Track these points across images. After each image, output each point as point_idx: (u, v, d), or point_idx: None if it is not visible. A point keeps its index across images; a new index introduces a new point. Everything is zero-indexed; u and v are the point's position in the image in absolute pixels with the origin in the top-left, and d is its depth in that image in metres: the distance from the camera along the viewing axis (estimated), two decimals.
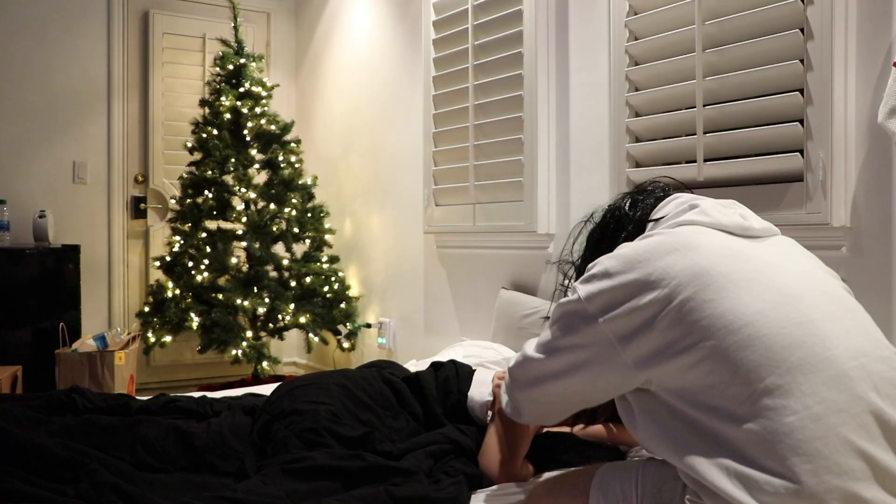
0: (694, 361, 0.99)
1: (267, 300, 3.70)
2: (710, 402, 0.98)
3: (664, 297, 1.02)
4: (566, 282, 1.37)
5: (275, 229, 3.81)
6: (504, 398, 1.31)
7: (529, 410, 1.25)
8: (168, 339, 3.68)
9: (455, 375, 1.81)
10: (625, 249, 1.10)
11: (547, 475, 1.26)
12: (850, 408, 0.94)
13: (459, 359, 2.16)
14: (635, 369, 1.05)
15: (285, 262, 3.86)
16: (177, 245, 3.78)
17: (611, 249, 1.14)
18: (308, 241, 3.94)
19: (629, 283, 1.05)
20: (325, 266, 3.87)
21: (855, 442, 0.93)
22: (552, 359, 1.14)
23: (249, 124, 3.82)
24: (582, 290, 1.10)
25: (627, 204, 1.28)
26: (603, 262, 1.10)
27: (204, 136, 3.78)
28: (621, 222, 1.27)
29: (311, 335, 3.80)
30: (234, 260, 3.76)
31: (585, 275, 1.12)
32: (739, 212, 1.19)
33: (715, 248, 1.07)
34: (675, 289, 1.02)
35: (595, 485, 1.14)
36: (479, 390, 1.74)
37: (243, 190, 3.73)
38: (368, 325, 3.89)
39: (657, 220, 1.21)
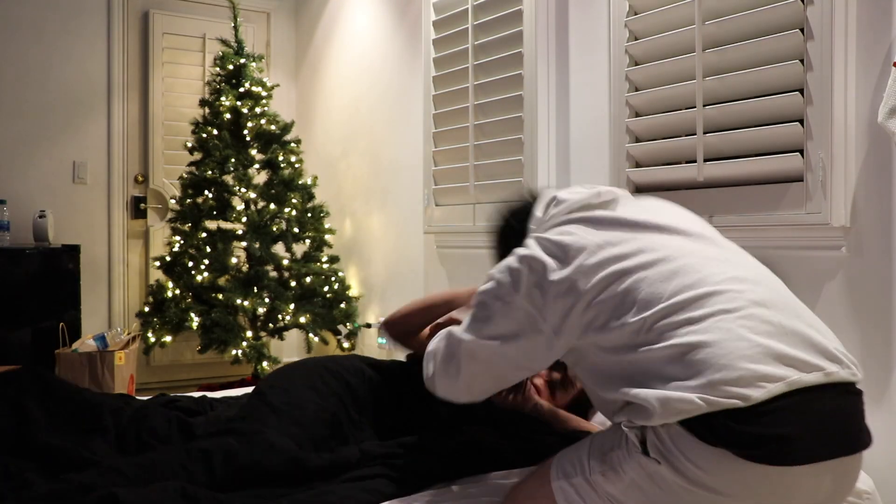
0: (595, 315, 1.17)
1: (267, 300, 3.70)
2: (620, 342, 1.14)
3: (562, 271, 1.20)
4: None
5: (275, 229, 3.81)
6: (431, 375, 1.36)
7: (461, 386, 1.32)
8: (168, 339, 3.68)
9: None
10: (525, 250, 1.28)
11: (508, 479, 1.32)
12: (727, 309, 1.09)
13: None
14: (554, 336, 1.21)
15: (285, 262, 3.86)
16: (177, 245, 3.78)
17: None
18: (308, 241, 3.94)
19: (536, 264, 1.24)
20: (325, 266, 3.88)
21: (735, 330, 1.07)
22: (484, 337, 1.26)
23: (249, 124, 3.82)
24: (497, 274, 1.29)
25: (516, 217, 1.48)
26: (509, 260, 1.29)
27: (204, 136, 3.78)
28: (513, 235, 1.45)
29: (311, 335, 3.80)
30: (234, 260, 3.76)
31: (497, 267, 1.31)
32: (591, 192, 1.36)
33: (590, 229, 1.26)
34: (569, 261, 1.21)
35: (553, 466, 1.23)
36: None
37: (243, 190, 3.73)
38: (368, 325, 3.89)
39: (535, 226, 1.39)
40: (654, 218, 1.27)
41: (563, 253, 1.22)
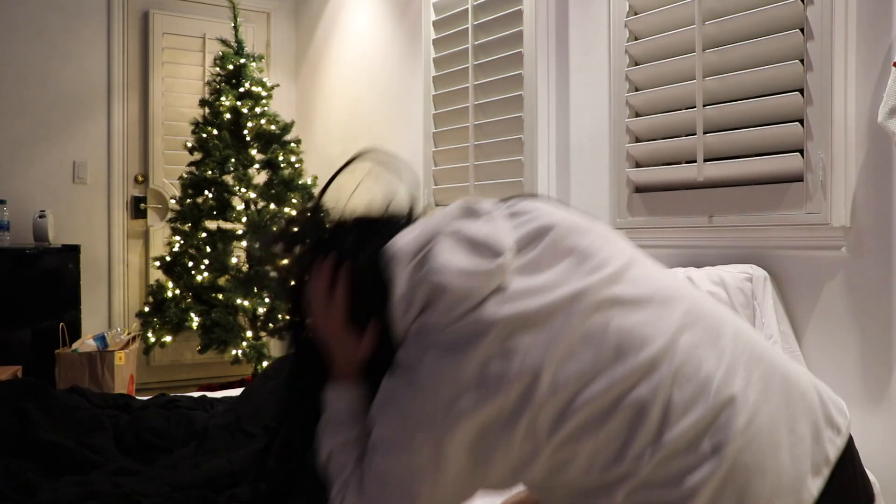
0: (568, 457, 0.87)
1: (267, 300, 3.70)
2: (606, 483, 0.87)
3: (510, 413, 0.86)
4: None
5: (275, 229, 3.81)
6: None
7: None
8: (168, 339, 3.68)
9: None
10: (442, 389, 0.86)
11: None
12: (744, 424, 0.88)
13: None
14: (509, 477, 0.91)
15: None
16: (177, 245, 3.78)
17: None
18: None
19: (470, 408, 0.86)
20: None
21: (756, 459, 0.88)
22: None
23: (249, 124, 3.82)
24: (396, 441, 0.89)
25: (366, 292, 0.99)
26: (410, 410, 0.88)
27: (204, 136, 3.78)
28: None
29: None
30: (234, 260, 3.76)
31: (388, 424, 0.90)
32: (493, 264, 0.90)
33: (512, 323, 0.87)
34: (518, 399, 0.86)
35: None
36: None
37: (243, 190, 3.73)
38: None
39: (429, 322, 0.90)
40: (595, 277, 0.91)
41: (502, 383, 0.84)
